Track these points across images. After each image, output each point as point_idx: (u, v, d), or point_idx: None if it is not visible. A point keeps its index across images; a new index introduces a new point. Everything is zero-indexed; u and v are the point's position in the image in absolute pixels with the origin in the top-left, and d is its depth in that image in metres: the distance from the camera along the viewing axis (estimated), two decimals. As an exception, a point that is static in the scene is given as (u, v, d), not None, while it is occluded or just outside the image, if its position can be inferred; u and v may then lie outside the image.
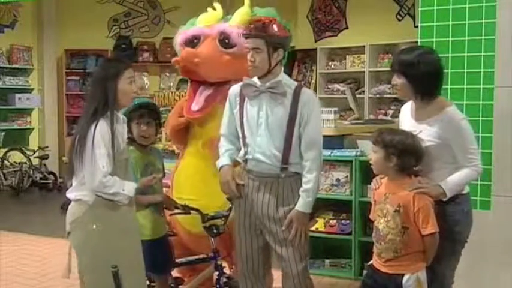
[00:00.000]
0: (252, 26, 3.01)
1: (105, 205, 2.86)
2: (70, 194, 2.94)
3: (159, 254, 3.31)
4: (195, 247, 3.79)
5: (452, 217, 2.83)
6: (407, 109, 2.98)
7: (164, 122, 4.12)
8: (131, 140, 3.31)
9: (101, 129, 2.83)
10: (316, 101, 3.09)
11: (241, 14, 3.84)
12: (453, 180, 2.77)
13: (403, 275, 2.73)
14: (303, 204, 2.99)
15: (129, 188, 2.90)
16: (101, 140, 2.82)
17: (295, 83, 3.09)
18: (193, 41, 3.82)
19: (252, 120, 3.02)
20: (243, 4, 3.90)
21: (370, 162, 2.88)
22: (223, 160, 3.13)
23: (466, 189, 2.92)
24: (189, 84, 3.99)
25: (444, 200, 2.76)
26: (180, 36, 3.92)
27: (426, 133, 2.79)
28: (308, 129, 2.98)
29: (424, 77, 2.77)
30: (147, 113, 3.40)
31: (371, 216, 2.94)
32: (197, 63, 3.67)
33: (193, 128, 3.87)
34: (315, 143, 3.00)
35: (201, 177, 3.71)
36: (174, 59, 3.87)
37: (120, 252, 2.89)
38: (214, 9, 3.99)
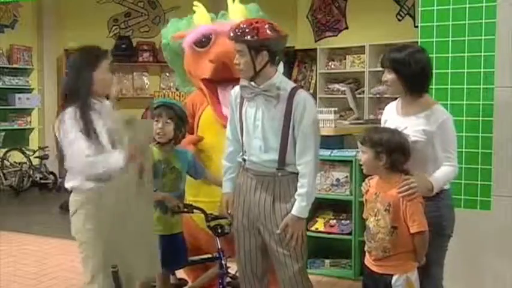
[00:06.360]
0: (234, 29, 2.93)
1: (95, 188, 2.88)
2: (66, 184, 3.00)
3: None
4: (206, 243, 3.79)
5: (438, 212, 2.87)
6: (392, 108, 3.07)
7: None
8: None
9: (69, 116, 2.87)
10: (310, 103, 2.98)
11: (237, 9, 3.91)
12: (439, 176, 2.83)
13: (392, 275, 2.73)
14: (297, 208, 2.96)
15: (114, 159, 2.86)
16: (73, 125, 2.85)
17: (292, 85, 3.02)
18: (202, 41, 3.88)
19: (250, 122, 3.00)
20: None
21: (360, 163, 2.89)
22: (227, 186, 3.18)
23: (447, 185, 2.98)
24: (204, 89, 4.00)
25: (429, 196, 2.79)
26: (189, 37, 3.97)
27: (412, 128, 2.85)
28: (300, 133, 2.93)
29: (414, 74, 2.87)
30: (165, 112, 3.46)
31: (364, 215, 2.94)
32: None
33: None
34: (307, 148, 2.94)
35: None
36: (210, 58, 3.86)
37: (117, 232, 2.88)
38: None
